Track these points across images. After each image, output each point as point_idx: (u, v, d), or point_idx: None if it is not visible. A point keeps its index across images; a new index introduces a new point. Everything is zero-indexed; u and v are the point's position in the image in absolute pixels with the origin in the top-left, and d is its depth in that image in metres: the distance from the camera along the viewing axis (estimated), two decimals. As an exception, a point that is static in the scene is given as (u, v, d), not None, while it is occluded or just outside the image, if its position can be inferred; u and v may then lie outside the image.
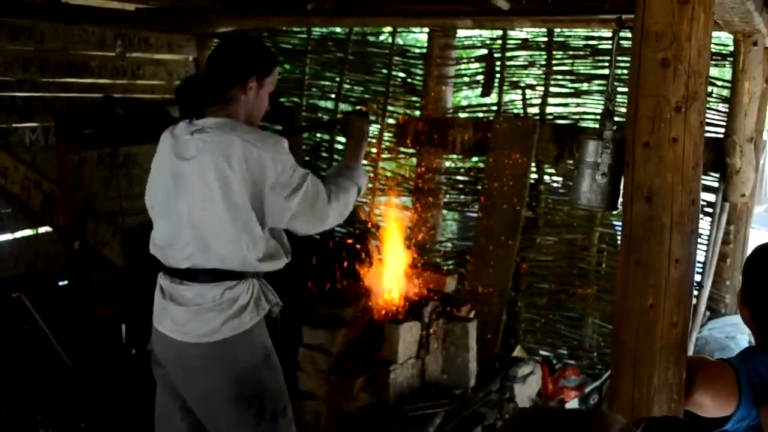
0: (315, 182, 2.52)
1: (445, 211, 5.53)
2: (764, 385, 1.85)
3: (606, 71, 4.78)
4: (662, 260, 1.98)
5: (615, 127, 2.30)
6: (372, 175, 5.60)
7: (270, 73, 2.59)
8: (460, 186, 5.37)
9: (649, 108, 1.96)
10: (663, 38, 1.93)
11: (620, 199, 2.20)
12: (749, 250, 2.13)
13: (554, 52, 4.99)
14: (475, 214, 5.17)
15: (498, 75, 5.13)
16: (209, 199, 2.41)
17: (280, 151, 2.43)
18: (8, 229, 4.77)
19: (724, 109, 4.46)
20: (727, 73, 4.55)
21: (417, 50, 5.64)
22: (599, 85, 4.87)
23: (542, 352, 5.05)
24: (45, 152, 4.84)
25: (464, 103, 6.37)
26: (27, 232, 4.94)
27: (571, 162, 4.71)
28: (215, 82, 2.52)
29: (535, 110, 5.05)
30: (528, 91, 5.08)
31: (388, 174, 5.60)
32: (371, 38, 5.88)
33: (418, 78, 5.47)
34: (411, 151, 5.45)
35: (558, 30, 4.94)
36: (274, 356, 2.63)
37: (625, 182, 2.07)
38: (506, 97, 5.21)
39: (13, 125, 4.75)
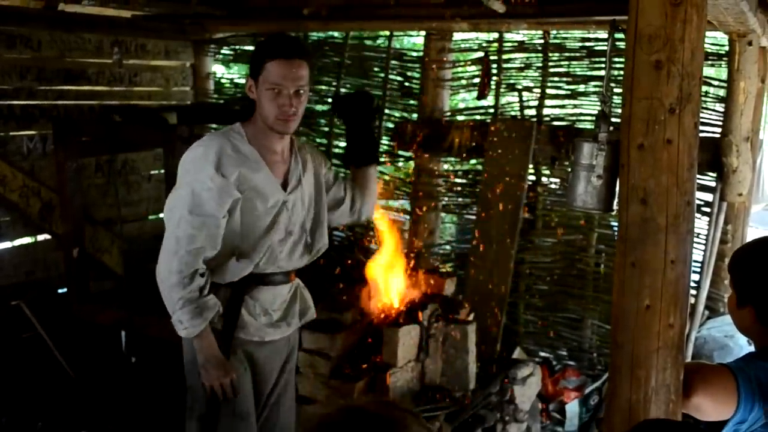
0: (183, 219, 2.44)
1: (443, 214, 5.53)
2: (763, 391, 1.85)
3: (602, 72, 4.79)
4: (658, 261, 1.98)
5: (612, 129, 2.30)
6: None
7: (259, 71, 2.49)
8: (458, 189, 5.38)
9: (643, 110, 1.97)
10: (656, 40, 1.93)
11: (616, 201, 2.20)
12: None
13: (550, 54, 5.00)
14: (473, 217, 5.18)
15: (494, 77, 5.15)
16: None
17: (184, 160, 2.52)
18: (7, 237, 4.77)
19: (720, 109, 4.47)
20: (723, 72, 4.56)
21: (414, 54, 5.65)
22: (596, 86, 4.88)
23: (542, 354, 5.05)
24: (43, 160, 4.85)
25: (461, 105, 6.38)
26: (26, 240, 4.94)
27: (567, 164, 4.72)
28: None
29: (532, 112, 5.06)
30: (525, 93, 5.09)
31: (386, 178, 5.60)
32: (368, 42, 5.90)
33: (415, 81, 5.47)
34: (409, 154, 5.46)
35: (554, 32, 4.95)
36: None
37: (621, 184, 2.07)
38: (503, 100, 5.22)
39: (11, 133, 4.75)
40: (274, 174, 2.60)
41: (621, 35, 2.19)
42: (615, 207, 2.22)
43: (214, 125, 5.16)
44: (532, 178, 5.01)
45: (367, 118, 2.89)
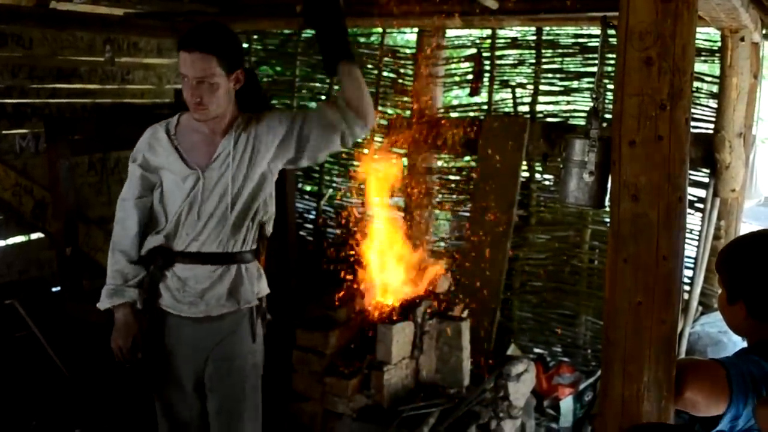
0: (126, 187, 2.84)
1: (437, 211, 5.53)
2: (756, 386, 1.86)
3: (596, 69, 4.79)
4: (650, 257, 1.98)
5: (604, 125, 2.31)
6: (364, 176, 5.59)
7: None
8: (452, 185, 5.38)
9: (634, 106, 1.97)
10: (647, 37, 1.93)
11: (608, 197, 2.21)
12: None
13: (543, 51, 5.01)
14: (467, 214, 5.18)
15: (488, 74, 5.14)
16: None
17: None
18: (0, 236, 4.76)
19: (713, 105, 4.47)
20: (715, 68, 4.57)
21: (407, 50, 5.64)
22: (589, 82, 4.88)
23: (536, 350, 5.06)
24: (35, 158, 4.84)
25: (455, 102, 6.38)
26: (19, 239, 4.94)
27: (560, 160, 4.73)
28: None
29: (526, 109, 5.06)
30: (518, 90, 5.10)
31: (380, 174, 5.59)
32: (361, 39, 5.89)
33: (408, 78, 5.47)
34: (402, 151, 5.46)
35: (547, 28, 4.96)
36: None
37: (612, 180, 2.07)
38: (496, 96, 5.23)
39: (3, 132, 4.74)
40: (196, 152, 2.69)
41: (613, 31, 2.19)
42: (607, 203, 2.22)
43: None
44: (526, 174, 5.02)
45: (335, 16, 2.80)
